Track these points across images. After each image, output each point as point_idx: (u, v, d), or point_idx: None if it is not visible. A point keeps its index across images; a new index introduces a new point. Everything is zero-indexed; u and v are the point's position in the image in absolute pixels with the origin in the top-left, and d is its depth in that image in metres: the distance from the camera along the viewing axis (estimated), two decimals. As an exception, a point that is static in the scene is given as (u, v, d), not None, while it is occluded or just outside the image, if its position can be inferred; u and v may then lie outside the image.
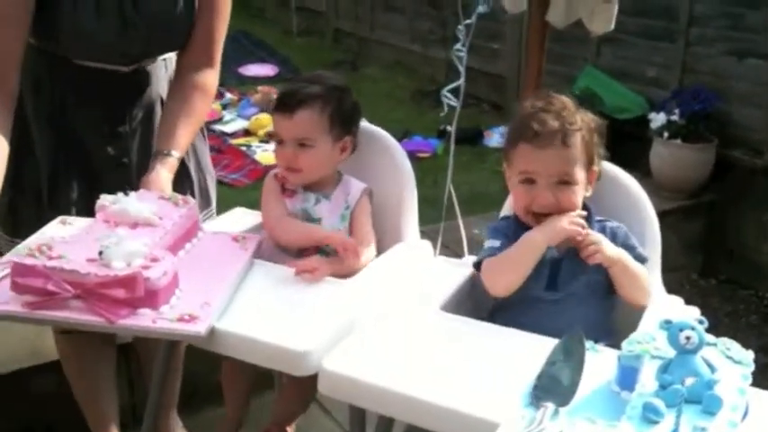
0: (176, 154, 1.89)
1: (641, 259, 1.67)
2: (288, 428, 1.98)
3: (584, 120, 1.68)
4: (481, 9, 2.82)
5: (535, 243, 1.62)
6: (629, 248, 1.67)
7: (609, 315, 1.70)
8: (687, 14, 4.36)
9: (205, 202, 2.15)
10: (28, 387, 2.39)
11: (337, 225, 1.85)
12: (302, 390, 1.87)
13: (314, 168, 1.84)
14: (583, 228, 1.62)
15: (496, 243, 1.69)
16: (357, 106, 1.92)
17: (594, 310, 1.66)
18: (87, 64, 1.88)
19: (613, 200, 1.78)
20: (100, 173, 1.94)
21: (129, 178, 1.93)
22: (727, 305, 3.93)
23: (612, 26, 2.65)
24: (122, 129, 1.95)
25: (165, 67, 2.02)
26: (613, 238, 1.67)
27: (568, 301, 1.65)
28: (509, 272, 1.64)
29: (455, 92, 2.83)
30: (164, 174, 1.85)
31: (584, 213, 1.66)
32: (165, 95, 2.01)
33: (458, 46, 2.77)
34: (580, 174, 1.66)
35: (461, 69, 2.74)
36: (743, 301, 3.97)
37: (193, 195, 2.09)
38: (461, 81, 2.78)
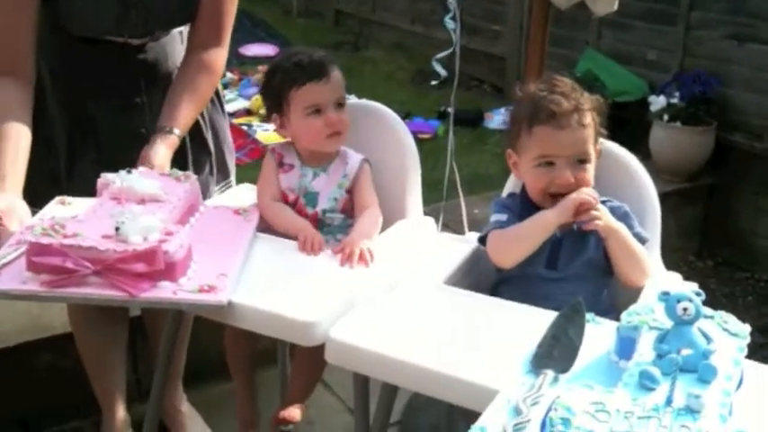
0: (177, 132, 1.91)
1: (640, 239, 1.69)
2: (302, 407, 2.01)
3: (590, 99, 1.72)
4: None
5: (548, 220, 1.65)
6: (628, 227, 1.68)
7: (608, 294, 1.73)
8: (689, -2, 4.37)
9: (223, 175, 2.18)
10: (32, 360, 2.41)
11: (335, 194, 1.88)
12: (313, 365, 1.91)
13: (348, 127, 1.89)
14: (594, 199, 1.64)
15: (503, 217, 1.72)
16: None
17: (593, 288, 1.68)
18: (96, 38, 1.90)
19: (614, 178, 1.81)
20: (117, 145, 1.96)
21: None
22: (724, 287, 3.96)
23: (615, 7, 2.66)
24: (138, 99, 1.97)
25: (181, 39, 2.04)
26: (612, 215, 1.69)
27: (568, 280, 1.68)
28: (517, 245, 1.67)
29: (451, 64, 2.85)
30: (162, 150, 1.87)
31: (597, 195, 1.68)
32: None
33: (447, 18, 2.79)
34: (592, 152, 1.70)
35: (454, 39, 2.75)
36: (739, 283, 4.01)
37: (211, 167, 2.12)
38: (452, 50, 2.80)
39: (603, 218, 1.64)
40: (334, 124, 1.85)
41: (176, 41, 2.03)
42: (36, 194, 1.76)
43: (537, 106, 1.69)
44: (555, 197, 1.67)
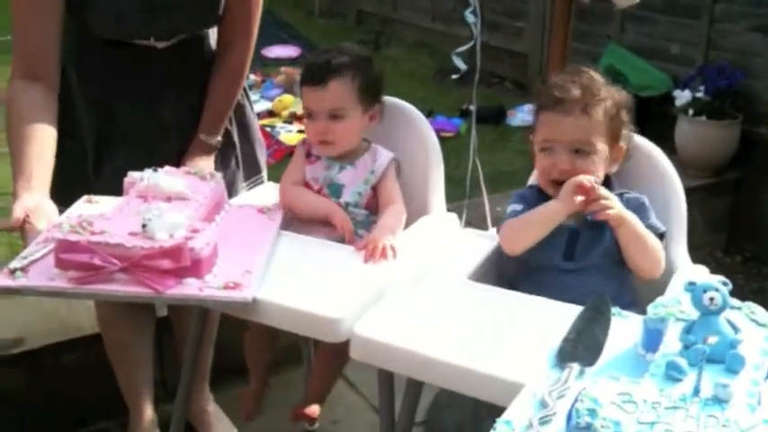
0: (216, 141, 2.02)
1: (655, 231, 1.68)
2: (320, 405, 2.01)
3: (611, 93, 1.71)
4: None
5: (554, 209, 1.66)
6: (642, 219, 1.68)
7: (628, 285, 1.72)
8: (712, -9, 4.33)
9: (252, 170, 2.20)
10: (60, 362, 2.43)
11: (360, 188, 1.88)
12: (334, 362, 1.91)
13: (346, 140, 1.87)
14: (590, 182, 1.63)
15: (518, 207, 1.74)
16: (381, 75, 1.96)
17: (612, 279, 1.68)
18: (121, 41, 1.91)
19: (639, 171, 1.80)
20: (144, 145, 1.98)
21: (178, 146, 2.02)
22: (752, 282, 3.91)
23: (638, 0, 2.64)
24: (165, 100, 1.99)
25: (208, 39, 2.05)
26: (626, 206, 1.68)
27: (586, 271, 1.68)
28: (524, 233, 1.68)
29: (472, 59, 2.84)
30: (202, 159, 1.99)
31: (598, 179, 1.67)
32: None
33: (468, 12, 2.78)
34: (600, 145, 1.68)
35: (475, 33, 2.74)
36: (768, 279, 3.97)
37: (237, 161, 2.14)
38: (473, 43, 2.79)
39: (615, 207, 1.63)
40: (318, 133, 1.85)
41: (203, 42, 2.04)
42: (65, 194, 1.78)
43: (546, 93, 1.72)
44: (559, 185, 1.68)
